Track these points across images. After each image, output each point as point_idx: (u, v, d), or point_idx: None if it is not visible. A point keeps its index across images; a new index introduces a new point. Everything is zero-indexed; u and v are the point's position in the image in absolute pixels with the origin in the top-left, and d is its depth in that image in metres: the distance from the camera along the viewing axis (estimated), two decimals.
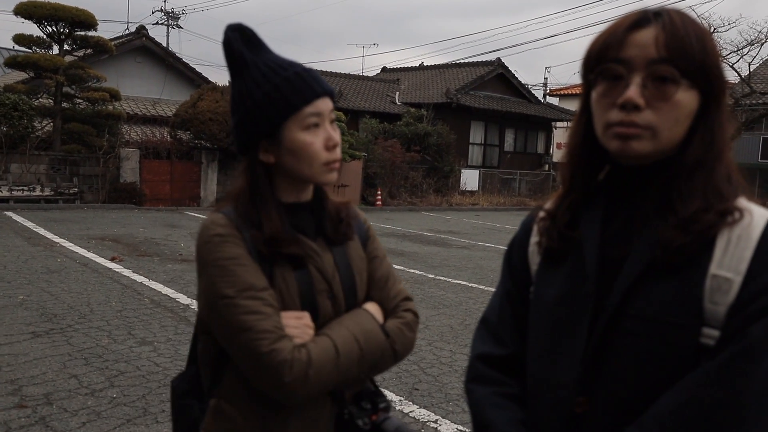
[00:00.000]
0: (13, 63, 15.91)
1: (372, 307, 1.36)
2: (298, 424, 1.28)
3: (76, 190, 15.84)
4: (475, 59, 31.01)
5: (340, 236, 1.37)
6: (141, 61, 22.67)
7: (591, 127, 1.06)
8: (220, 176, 17.93)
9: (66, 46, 16.74)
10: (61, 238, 10.27)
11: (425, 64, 31.90)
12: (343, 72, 28.32)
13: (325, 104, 1.29)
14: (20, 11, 15.72)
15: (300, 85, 1.26)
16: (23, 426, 3.45)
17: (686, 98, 0.97)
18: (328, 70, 28.15)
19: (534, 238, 1.17)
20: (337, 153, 1.31)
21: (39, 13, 15.70)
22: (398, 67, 32.76)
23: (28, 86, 16.49)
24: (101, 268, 7.97)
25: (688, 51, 0.96)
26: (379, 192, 21.17)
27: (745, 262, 0.92)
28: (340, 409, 1.29)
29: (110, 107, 16.79)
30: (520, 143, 29.42)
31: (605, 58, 1.00)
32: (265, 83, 1.27)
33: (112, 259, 8.57)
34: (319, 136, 1.28)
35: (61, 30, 16.32)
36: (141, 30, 22.63)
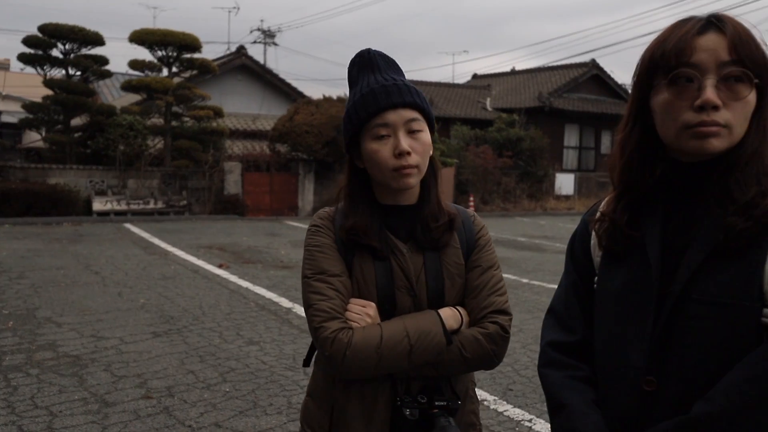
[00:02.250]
0: (129, 86, 17.20)
1: (447, 312, 1.45)
2: (357, 402, 1.45)
3: (185, 202, 16.87)
4: (568, 61, 30.46)
5: (429, 241, 1.49)
6: (241, 79, 23.81)
7: (647, 129, 1.17)
8: (316, 186, 18.54)
9: (174, 69, 17.91)
10: (173, 247, 11.04)
11: (517, 69, 31.58)
12: (433, 80, 28.52)
13: (396, 115, 1.43)
14: (134, 38, 17.00)
15: (369, 100, 1.43)
16: (150, 414, 3.85)
17: (751, 97, 1.08)
18: (419, 79, 28.44)
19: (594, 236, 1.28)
20: (408, 160, 1.41)
21: (150, 39, 16.92)
22: (489, 73, 32.62)
23: (141, 107, 17.76)
24: (210, 275, 8.54)
25: (754, 53, 1.07)
26: (471, 198, 21.16)
27: None
28: (394, 396, 1.42)
29: (214, 124, 17.78)
30: None
31: (678, 63, 1.09)
32: (351, 100, 1.49)
33: (220, 266, 9.14)
34: (388, 144, 1.42)
35: (170, 54, 17.50)
36: (241, 50, 23.79)
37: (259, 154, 18.80)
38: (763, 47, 1.09)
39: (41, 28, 16.61)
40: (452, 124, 23.70)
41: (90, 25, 19.06)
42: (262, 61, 32.48)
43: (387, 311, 1.45)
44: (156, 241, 11.85)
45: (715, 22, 1.09)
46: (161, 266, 9.10)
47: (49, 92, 16.87)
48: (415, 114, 1.45)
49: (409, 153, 1.42)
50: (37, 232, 12.34)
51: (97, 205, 15.62)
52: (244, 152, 19.33)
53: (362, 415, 1.45)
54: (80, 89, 16.96)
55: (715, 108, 1.06)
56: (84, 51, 17.46)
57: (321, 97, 19.39)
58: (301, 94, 24.09)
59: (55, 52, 17.18)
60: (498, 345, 1.45)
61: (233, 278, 8.30)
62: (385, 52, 1.55)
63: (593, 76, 27.38)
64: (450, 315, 1.45)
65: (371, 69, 1.49)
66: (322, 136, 17.35)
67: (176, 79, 17.88)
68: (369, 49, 1.53)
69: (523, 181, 22.84)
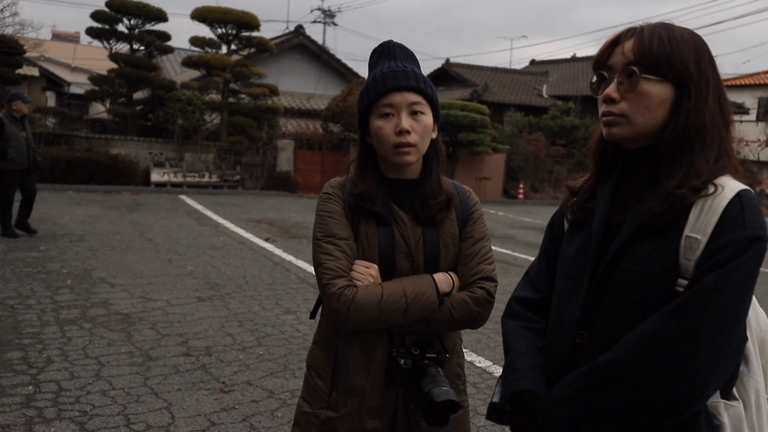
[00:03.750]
0: (189, 62, 17.73)
1: (440, 276, 1.62)
2: (358, 352, 1.63)
3: (239, 177, 17.36)
4: None
5: (427, 217, 1.65)
6: (298, 58, 24.17)
7: None
8: None
9: (233, 46, 18.35)
10: (224, 219, 11.45)
11: (578, 56, 31.02)
12: (489, 65, 28.29)
13: (401, 97, 1.59)
14: (195, 15, 17.48)
15: (379, 82, 1.61)
16: (188, 370, 4.14)
17: (654, 89, 1.23)
18: (475, 64, 28.26)
19: None
20: (407, 138, 1.57)
21: (211, 17, 17.37)
22: (547, 59, 32.13)
23: (200, 83, 18.30)
24: (256, 247, 8.87)
25: (651, 52, 1.22)
26: (521, 185, 21.06)
27: (710, 227, 1.15)
28: (390, 347, 1.61)
29: (269, 102, 18.18)
30: None
31: (597, 66, 1.30)
32: (366, 82, 1.67)
33: (266, 240, 9.47)
34: (391, 122, 1.59)
35: (230, 32, 17.94)
36: (299, 29, 24.13)
37: (312, 133, 19.13)
38: (681, 47, 1.23)
39: (108, 3, 17.25)
40: (506, 110, 23.54)
41: (154, 1, 19.67)
42: (320, 41, 32.86)
43: (387, 273, 1.63)
44: (208, 213, 12.30)
45: (636, 31, 1.26)
46: (211, 237, 9.49)
47: (115, 66, 17.53)
48: (418, 98, 1.61)
49: (408, 132, 1.58)
50: (98, 200, 12.96)
51: (155, 176, 16.24)
52: (297, 130, 19.70)
53: (362, 363, 1.63)
54: (143, 64, 17.58)
55: (612, 101, 1.25)
56: (148, 26, 18.07)
57: None
58: (356, 75, 24.32)
59: (121, 27, 17.85)
60: (483, 308, 1.61)
61: (278, 251, 8.61)
62: (404, 45, 1.71)
63: None
64: (443, 279, 1.62)
65: (389, 57, 1.66)
66: None
67: (234, 57, 18.31)
68: (390, 40, 1.70)
69: (576, 170, 22.51)
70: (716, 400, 1.21)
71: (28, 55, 19.20)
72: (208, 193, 16.15)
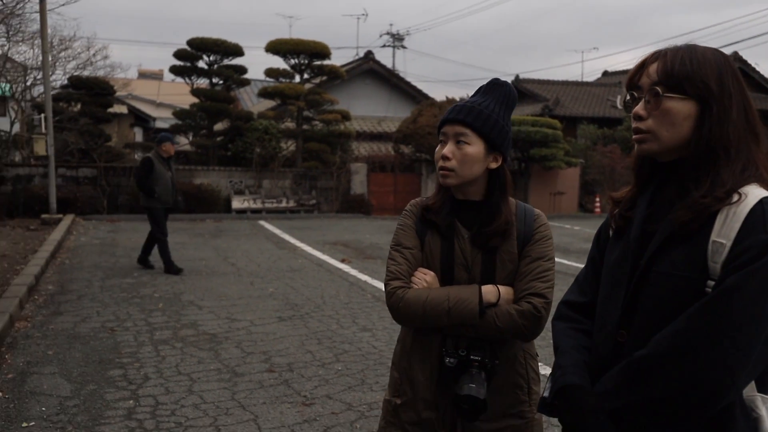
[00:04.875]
0: (264, 93, 18.46)
1: (488, 287, 1.77)
2: (419, 348, 1.86)
3: (315, 201, 17.86)
4: None
5: (481, 238, 1.81)
6: (368, 82, 24.70)
7: None
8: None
9: (305, 75, 18.99)
10: (301, 242, 11.84)
11: None
12: (559, 79, 27.99)
13: (450, 128, 1.81)
14: (269, 48, 18.22)
15: (444, 114, 1.85)
16: (272, 385, 4.38)
17: (677, 106, 1.34)
18: (545, 79, 28.01)
19: None
20: (445, 163, 1.79)
21: (284, 49, 18.07)
22: (620, 70, 31.45)
23: (275, 112, 19.00)
24: (333, 268, 9.15)
25: (673, 72, 1.33)
26: (597, 199, 20.66)
27: (734, 232, 1.25)
28: (440, 346, 1.80)
29: (342, 127, 18.65)
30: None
31: (629, 86, 1.42)
32: None
33: (342, 261, 9.75)
34: (441, 149, 1.82)
35: (302, 61, 18.58)
36: (368, 55, 24.69)
37: (384, 156, 19.47)
38: (703, 66, 1.33)
39: (189, 42, 18.25)
40: (579, 124, 23.20)
41: (231, 36, 20.61)
42: (390, 64, 33.44)
43: (446, 281, 1.82)
44: (286, 237, 12.74)
45: (661, 54, 1.38)
46: (290, 260, 9.85)
47: (196, 100, 18.46)
48: (464, 129, 1.79)
49: (448, 158, 1.79)
50: (184, 227, 13.65)
51: (236, 203, 16.93)
52: (369, 153, 20.10)
53: (420, 358, 1.85)
54: (222, 97, 18.44)
55: (640, 118, 1.37)
56: (226, 61, 18.96)
57: (444, 99, 19.75)
58: (425, 96, 24.58)
59: (201, 63, 18.79)
60: (529, 321, 1.73)
61: (353, 272, 8.85)
62: (501, 82, 1.89)
63: None
64: (490, 290, 1.77)
65: (476, 93, 1.89)
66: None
67: (307, 85, 18.92)
68: (495, 79, 1.90)
69: None
70: (753, 394, 1.29)
71: (117, 94, 20.50)
72: (286, 218, 16.69)
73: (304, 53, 18.28)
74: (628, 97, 1.44)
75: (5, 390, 4.14)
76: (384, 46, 44.77)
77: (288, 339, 5.48)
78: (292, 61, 18.67)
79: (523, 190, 20.38)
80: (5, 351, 4.91)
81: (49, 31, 15.10)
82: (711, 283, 1.27)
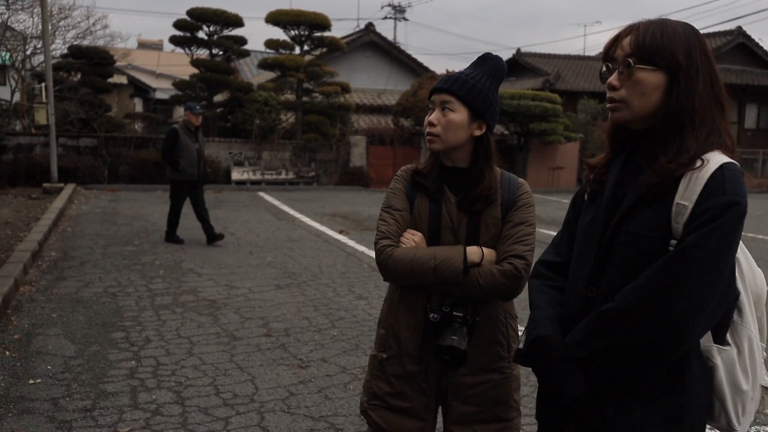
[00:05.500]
0: (264, 64, 18.44)
1: (473, 248, 1.89)
2: (405, 306, 1.98)
3: (314, 173, 17.95)
4: (713, 29, 28.52)
5: (466, 202, 1.93)
6: (369, 55, 24.60)
7: None
8: None
9: (306, 47, 18.94)
10: (300, 214, 11.97)
11: None
12: (561, 53, 27.85)
13: (437, 97, 1.93)
14: (269, 19, 18.16)
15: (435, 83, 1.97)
16: (269, 348, 4.54)
17: (648, 77, 1.43)
18: (547, 53, 27.87)
19: None
20: (430, 129, 1.91)
21: (284, 20, 18.00)
22: None
23: (275, 84, 18.98)
24: (331, 239, 9.29)
25: (644, 45, 1.43)
26: None
27: (695, 194, 1.35)
28: (425, 303, 1.93)
29: (341, 99, 18.65)
30: (765, 119, 26.52)
31: (605, 58, 1.52)
32: None
33: (340, 232, 9.89)
34: (428, 117, 1.94)
35: (302, 33, 18.53)
36: (369, 27, 24.55)
37: (384, 129, 19.51)
38: (672, 39, 1.43)
39: (189, 12, 18.17)
40: (579, 98, 23.17)
41: (232, 6, 20.51)
42: (392, 37, 33.21)
43: (433, 242, 1.95)
44: (285, 208, 12.86)
45: (635, 28, 1.48)
46: (288, 230, 9.99)
47: (196, 71, 18.44)
48: (449, 98, 1.91)
49: (433, 125, 1.91)
50: None
51: (236, 174, 17.03)
52: (369, 126, 20.13)
53: (406, 315, 1.98)
54: (222, 68, 18.42)
55: (614, 88, 1.47)
56: (226, 32, 18.90)
57: (445, 71, 19.71)
58: (426, 69, 24.51)
59: (201, 34, 18.73)
60: (509, 281, 1.85)
61: (351, 243, 8.99)
62: (492, 56, 2.00)
63: (739, 45, 25.56)
64: (474, 251, 1.89)
65: (473, 65, 1.99)
66: None
67: (307, 57, 18.88)
68: (486, 53, 2.01)
69: None
70: (709, 344, 1.42)
71: (117, 64, 20.45)
72: (285, 190, 16.80)
73: (304, 24, 18.22)
74: (603, 69, 1.54)
75: (12, 349, 4.29)
76: (385, 18, 44.44)
77: (285, 306, 5.63)
78: (293, 33, 18.61)
79: (522, 165, 20.46)
80: (11, 313, 5.06)
81: None
82: (674, 242, 1.38)
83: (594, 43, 61.09)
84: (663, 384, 1.40)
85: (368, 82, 24.35)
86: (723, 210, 1.32)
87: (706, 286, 1.32)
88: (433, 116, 1.92)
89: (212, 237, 8.40)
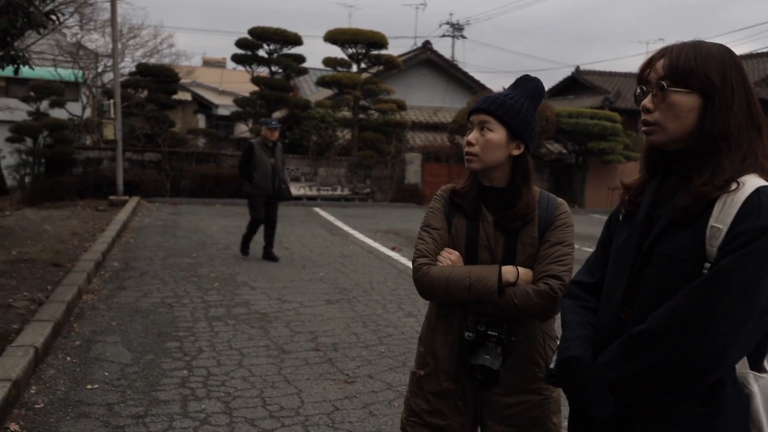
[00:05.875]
0: (322, 82, 18.78)
1: (508, 268, 1.90)
2: (442, 323, 2.00)
3: (369, 190, 18.10)
4: None
5: (503, 221, 1.94)
6: (425, 72, 24.72)
7: None
8: None
9: (362, 65, 19.20)
10: (354, 230, 12.08)
11: None
12: (622, 71, 27.34)
13: (476, 117, 1.96)
14: (328, 38, 18.51)
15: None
16: (317, 363, 4.60)
17: (681, 99, 1.43)
18: (607, 71, 27.41)
19: None
20: (468, 149, 1.93)
21: (342, 38, 18.32)
22: None
23: (332, 101, 19.29)
24: (383, 256, 9.34)
25: (677, 67, 1.42)
26: None
27: (731, 218, 1.33)
28: (460, 321, 1.94)
29: (397, 116, 18.79)
30: None
31: (639, 81, 1.52)
32: None
33: (393, 249, 9.93)
34: (467, 136, 1.97)
35: (359, 51, 18.80)
36: (426, 45, 24.69)
37: (439, 146, 19.52)
38: (706, 62, 1.42)
39: (250, 31, 18.69)
40: (640, 117, 22.63)
41: (292, 25, 20.98)
42: (449, 54, 33.35)
43: (470, 261, 1.96)
44: (340, 224, 13.00)
45: (668, 50, 1.47)
46: (341, 246, 10.09)
47: (256, 88, 18.92)
48: (487, 117, 1.94)
49: (472, 144, 1.94)
50: (242, 212, 14.04)
51: (292, 190, 17.18)
52: (424, 143, 20.18)
53: (443, 333, 2.00)
54: (281, 85, 18.83)
55: (648, 111, 1.47)
56: (285, 50, 19.35)
57: (501, 89, 19.60)
58: (483, 87, 24.47)
59: (261, 52, 19.24)
60: (545, 301, 1.85)
61: (403, 260, 9.01)
62: (530, 78, 2.03)
63: None
64: (509, 270, 1.90)
65: (513, 86, 2.03)
66: None
67: (364, 75, 19.13)
68: (525, 74, 2.04)
69: None
70: (745, 371, 1.38)
71: (181, 81, 21.18)
72: (340, 206, 16.98)
73: (361, 43, 18.49)
74: (638, 91, 1.54)
75: (73, 355, 4.48)
76: (443, 36, 44.64)
77: (335, 321, 5.69)
78: (350, 51, 18.90)
79: (580, 184, 20.12)
80: (73, 320, 5.29)
81: (119, 19, 15.74)
82: (708, 265, 1.36)
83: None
84: (696, 410, 1.38)
85: (424, 99, 24.45)
86: (759, 234, 1.29)
87: (740, 310, 1.30)
88: (472, 136, 1.94)
89: (267, 255, 8.50)
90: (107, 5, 15.04)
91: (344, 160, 18.33)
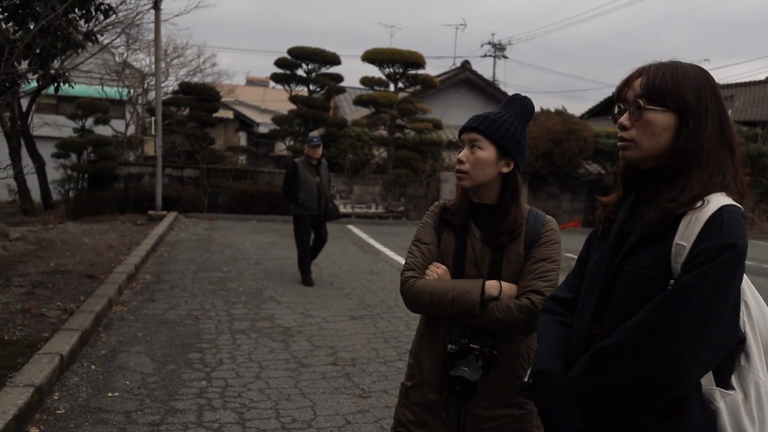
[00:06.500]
0: (359, 101, 18.97)
1: (492, 282, 1.93)
2: (429, 336, 2.03)
3: (403, 208, 18.14)
4: None
5: (491, 236, 1.97)
6: (463, 92, 24.77)
7: None
8: (529, 198, 18.72)
9: (400, 84, 19.35)
10: (385, 247, 12.12)
11: None
12: None
13: (466, 135, 1.99)
14: (366, 57, 18.73)
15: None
16: (333, 377, 4.62)
17: (657, 118, 1.44)
18: None
19: None
20: (459, 166, 1.97)
21: (380, 58, 18.52)
22: (733, 83, 29.81)
23: (369, 120, 19.47)
24: None
25: (654, 87, 1.44)
26: None
27: (694, 235, 1.34)
28: (445, 333, 1.96)
29: (433, 135, 18.85)
30: None
31: (617, 99, 1.54)
32: None
33: None
34: (458, 154, 2.00)
35: (396, 71, 18.96)
36: (465, 65, 24.78)
37: None
38: (683, 82, 1.43)
39: (289, 51, 19.05)
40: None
41: (334, 45, 21.33)
42: (491, 74, 33.34)
43: (457, 275, 1.99)
44: (372, 241, 13.06)
45: (645, 69, 1.49)
46: (371, 263, 10.14)
47: (294, 107, 19.23)
48: (477, 136, 1.97)
49: (462, 162, 1.97)
50: (276, 228, 14.26)
51: None
52: None
53: (429, 345, 2.03)
54: (318, 104, 19.11)
55: (624, 128, 1.48)
56: (323, 70, 19.65)
57: (539, 110, 19.53)
58: None
59: (300, 72, 19.57)
60: (526, 315, 1.87)
61: None
62: (521, 96, 2.06)
63: None
64: (492, 285, 1.92)
65: (502, 105, 2.06)
66: (537, 149, 17.54)
67: (401, 94, 19.27)
68: (514, 94, 2.07)
69: (764, 201, 20.65)
70: (711, 387, 1.37)
71: (224, 99, 21.67)
72: (374, 223, 17.05)
73: (399, 62, 18.65)
74: (615, 110, 1.55)
75: (97, 364, 4.61)
76: (484, 56, 44.38)
77: (356, 336, 5.72)
78: (387, 70, 19.08)
79: None
80: (101, 330, 5.43)
81: (163, 39, 16.25)
82: (672, 282, 1.36)
83: None
84: (661, 425, 1.37)
85: (462, 119, 24.30)
86: (719, 252, 1.30)
87: (700, 327, 1.30)
88: (462, 154, 1.98)
89: (305, 278, 8.07)
90: (152, 26, 15.49)
91: (379, 178, 18.44)
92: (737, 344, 1.38)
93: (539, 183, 18.44)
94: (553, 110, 19.19)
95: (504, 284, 1.93)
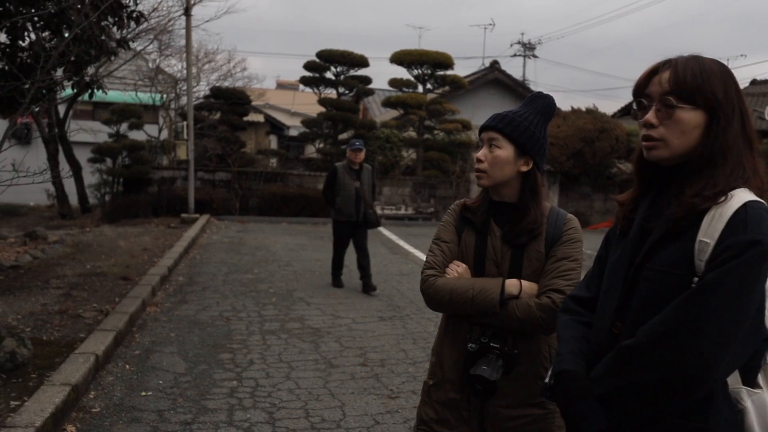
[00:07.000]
0: (388, 103, 19.01)
1: (512, 281, 1.92)
2: (450, 334, 2.03)
3: (432, 209, 18.11)
4: None
5: (511, 235, 1.97)
6: (493, 92, 24.60)
7: None
8: (561, 198, 18.53)
9: (428, 86, 19.34)
10: (414, 248, 12.12)
11: None
12: None
13: (485, 134, 1.99)
14: (394, 59, 18.76)
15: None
16: (363, 377, 4.65)
17: (688, 116, 1.41)
18: None
19: None
20: (478, 165, 1.97)
21: (408, 60, 18.53)
22: None
23: (398, 122, 19.48)
24: None
25: (685, 84, 1.41)
26: None
27: (718, 232, 1.32)
28: (466, 332, 1.96)
29: (462, 136, 18.78)
30: None
31: (637, 94, 1.50)
32: None
33: None
34: (477, 153, 2.00)
35: (425, 72, 18.95)
36: (494, 65, 24.63)
37: None
38: (711, 79, 1.40)
39: (318, 54, 19.18)
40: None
41: (364, 47, 21.42)
42: (520, 74, 33.10)
43: (478, 274, 1.99)
44: (401, 243, 13.07)
45: (672, 64, 1.45)
46: (400, 264, 10.15)
47: (323, 110, 19.34)
48: (495, 134, 1.97)
49: (481, 161, 1.97)
50: (306, 230, 14.37)
51: None
52: None
53: (450, 343, 2.04)
54: (347, 106, 19.19)
55: (651, 126, 1.44)
56: (352, 72, 19.73)
57: (570, 109, 19.32)
58: None
59: (329, 74, 19.68)
60: (546, 314, 1.86)
61: None
62: (542, 95, 2.05)
63: None
64: (512, 283, 1.92)
65: (524, 103, 2.06)
66: (568, 148, 17.35)
67: (430, 95, 19.25)
68: (535, 93, 2.08)
69: None
70: (738, 386, 1.35)
71: (254, 103, 21.89)
72: (403, 225, 17.05)
73: (427, 64, 18.64)
74: (635, 105, 1.53)
75: (131, 363, 4.70)
76: (514, 55, 44.13)
77: (385, 337, 5.74)
78: (416, 72, 19.08)
79: None
80: (135, 331, 5.54)
81: (194, 45, 16.49)
82: (696, 279, 1.35)
83: (739, 77, 57.13)
84: (687, 425, 1.36)
85: None
86: (744, 249, 1.28)
87: (726, 324, 1.28)
88: (481, 153, 1.98)
89: (367, 287, 7.75)
90: (184, 32, 15.75)
91: (409, 179, 18.44)
92: (763, 342, 1.36)
93: (571, 183, 18.24)
94: (584, 109, 18.97)
95: (524, 283, 1.93)
